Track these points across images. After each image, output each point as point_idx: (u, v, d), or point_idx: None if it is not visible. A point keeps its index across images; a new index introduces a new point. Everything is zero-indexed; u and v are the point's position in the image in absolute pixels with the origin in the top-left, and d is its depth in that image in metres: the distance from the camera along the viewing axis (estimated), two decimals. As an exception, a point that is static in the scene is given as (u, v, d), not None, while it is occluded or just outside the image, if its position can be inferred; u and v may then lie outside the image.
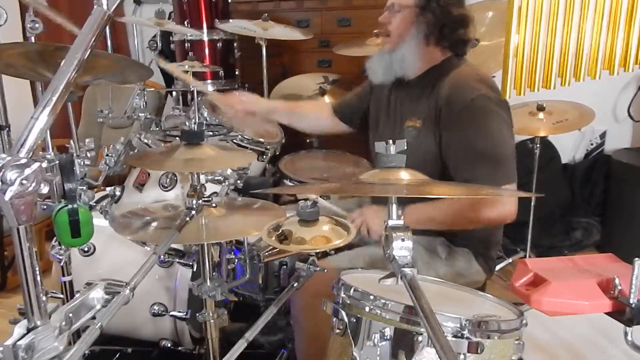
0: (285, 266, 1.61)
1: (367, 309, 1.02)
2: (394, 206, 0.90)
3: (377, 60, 1.75)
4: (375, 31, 2.65)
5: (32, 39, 1.57)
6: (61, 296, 1.61)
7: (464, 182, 1.51)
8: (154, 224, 1.33)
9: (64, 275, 1.57)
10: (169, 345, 1.82)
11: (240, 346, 1.21)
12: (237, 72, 3.24)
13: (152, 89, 3.19)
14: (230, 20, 3.01)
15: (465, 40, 1.67)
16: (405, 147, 0.96)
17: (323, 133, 2.22)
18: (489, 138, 1.53)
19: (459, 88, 1.57)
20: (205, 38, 3.10)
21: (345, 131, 2.07)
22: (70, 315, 0.81)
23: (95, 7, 0.80)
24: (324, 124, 2.08)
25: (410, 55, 1.66)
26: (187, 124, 1.27)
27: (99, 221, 1.49)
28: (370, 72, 1.77)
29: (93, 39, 0.78)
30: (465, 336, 0.94)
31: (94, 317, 0.89)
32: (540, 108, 2.54)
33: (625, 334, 0.98)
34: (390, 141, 0.96)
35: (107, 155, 1.72)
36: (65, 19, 1.43)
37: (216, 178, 1.72)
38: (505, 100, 1.58)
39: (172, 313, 1.76)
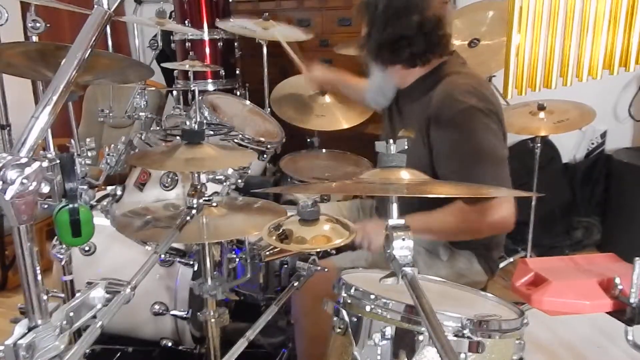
0: (286, 265, 1.61)
1: (368, 308, 1.02)
2: (395, 206, 0.90)
3: (371, 91, 1.79)
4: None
5: (33, 38, 1.57)
6: (62, 295, 1.62)
7: None
8: (155, 223, 1.33)
9: (64, 275, 1.57)
10: (170, 344, 1.82)
11: (240, 345, 1.21)
12: (237, 72, 3.24)
13: (153, 89, 3.18)
14: (231, 19, 3.01)
15: (437, 41, 1.53)
16: (406, 147, 0.96)
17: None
18: (475, 146, 1.48)
19: (447, 100, 1.51)
20: (206, 37, 3.10)
21: None
22: (71, 314, 0.81)
23: (95, 6, 0.80)
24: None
25: (394, 81, 1.69)
26: (187, 123, 1.27)
27: (100, 220, 1.49)
28: (373, 103, 1.82)
29: (94, 39, 0.78)
30: (466, 335, 0.94)
31: (94, 316, 0.89)
32: (541, 107, 2.53)
33: (626, 333, 0.98)
34: (391, 141, 0.96)
35: (108, 154, 1.72)
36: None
37: (217, 177, 1.72)
38: (496, 110, 1.54)
39: (172, 312, 1.76)
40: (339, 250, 1.60)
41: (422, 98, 1.59)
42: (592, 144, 3.36)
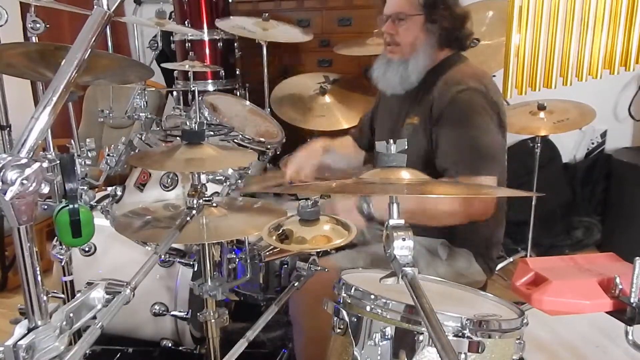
0: (286, 265, 1.60)
1: (368, 308, 1.02)
2: (395, 206, 0.90)
3: (387, 70, 1.72)
4: (375, 31, 2.66)
5: (33, 38, 1.57)
6: (62, 296, 1.62)
7: (443, 171, 1.53)
8: (155, 223, 1.33)
9: (64, 275, 1.57)
10: (170, 345, 1.82)
11: (241, 346, 1.21)
12: (237, 72, 3.24)
13: (153, 89, 3.19)
14: (230, 17, 3.01)
15: (466, 37, 1.70)
16: (406, 147, 0.96)
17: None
18: (471, 128, 1.53)
19: (450, 83, 1.59)
20: (206, 38, 3.10)
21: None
22: (71, 315, 0.81)
23: (95, 7, 0.80)
24: (357, 158, 2.04)
25: (425, 62, 1.66)
26: (187, 123, 1.27)
27: (100, 221, 1.49)
28: (384, 83, 1.74)
29: (93, 39, 0.78)
30: (466, 335, 0.94)
31: (94, 317, 0.89)
32: (541, 107, 2.53)
33: (626, 333, 0.98)
34: (391, 140, 0.96)
35: (108, 155, 1.72)
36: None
37: (217, 178, 1.73)
38: (497, 97, 1.59)
39: (172, 313, 1.76)
40: (339, 249, 1.60)
41: (428, 87, 1.64)
42: (592, 143, 3.36)
